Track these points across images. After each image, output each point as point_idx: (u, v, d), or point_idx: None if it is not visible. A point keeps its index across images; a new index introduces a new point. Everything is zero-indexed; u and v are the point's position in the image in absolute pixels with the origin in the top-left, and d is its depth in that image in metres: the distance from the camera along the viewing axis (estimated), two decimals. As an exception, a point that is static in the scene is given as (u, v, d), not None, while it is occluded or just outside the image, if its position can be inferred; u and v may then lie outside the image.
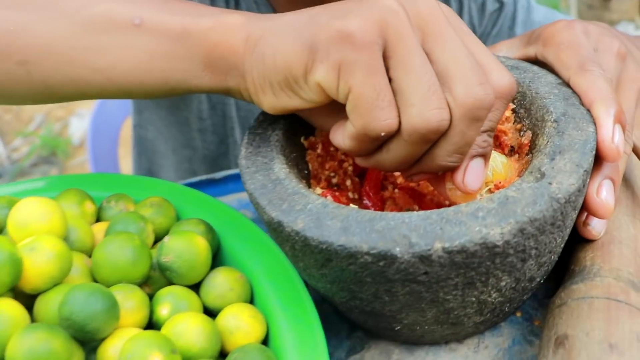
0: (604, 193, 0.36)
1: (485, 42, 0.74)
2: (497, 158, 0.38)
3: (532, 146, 0.38)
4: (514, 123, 0.40)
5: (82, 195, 0.44)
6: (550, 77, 0.40)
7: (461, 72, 0.31)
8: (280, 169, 0.36)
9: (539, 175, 0.33)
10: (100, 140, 1.05)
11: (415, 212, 0.31)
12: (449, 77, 0.31)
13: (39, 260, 0.35)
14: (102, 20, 0.36)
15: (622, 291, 0.35)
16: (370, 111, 0.31)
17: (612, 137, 0.35)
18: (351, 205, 0.36)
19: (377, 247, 0.30)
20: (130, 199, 0.45)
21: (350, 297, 0.34)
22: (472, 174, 0.34)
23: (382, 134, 0.31)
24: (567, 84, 0.39)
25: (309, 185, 0.39)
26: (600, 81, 0.37)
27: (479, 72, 0.31)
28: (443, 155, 0.33)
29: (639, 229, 0.40)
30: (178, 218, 0.45)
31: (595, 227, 0.38)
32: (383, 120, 0.31)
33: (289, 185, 0.35)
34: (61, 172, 1.87)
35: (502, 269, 0.32)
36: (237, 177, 0.57)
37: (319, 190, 0.38)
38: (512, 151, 0.40)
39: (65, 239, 0.39)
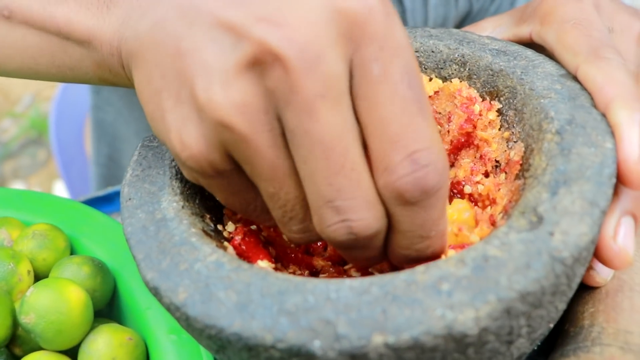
0: (621, 236, 0.24)
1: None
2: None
3: (525, 166, 0.26)
4: (500, 129, 0.28)
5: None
6: (550, 67, 0.28)
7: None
8: (170, 202, 0.24)
9: (534, 219, 0.21)
10: (65, 125, 0.93)
11: (347, 282, 0.20)
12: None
13: None
14: None
15: (632, 369, 0.24)
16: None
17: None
18: (259, 262, 0.24)
19: (287, 340, 0.19)
20: (19, 224, 0.34)
21: (265, 385, 0.23)
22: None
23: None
24: (574, 77, 0.27)
25: (220, 218, 0.27)
26: (621, 73, 0.25)
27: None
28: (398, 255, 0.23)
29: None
30: (72, 250, 0.33)
31: (601, 272, 0.27)
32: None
33: (177, 230, 0.23)
34: (49, 153, 1.75)
35: (477, 357, 0.20)
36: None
37: (231, 227, 0.26)
38: (497, 167, 0.28)
39: None
